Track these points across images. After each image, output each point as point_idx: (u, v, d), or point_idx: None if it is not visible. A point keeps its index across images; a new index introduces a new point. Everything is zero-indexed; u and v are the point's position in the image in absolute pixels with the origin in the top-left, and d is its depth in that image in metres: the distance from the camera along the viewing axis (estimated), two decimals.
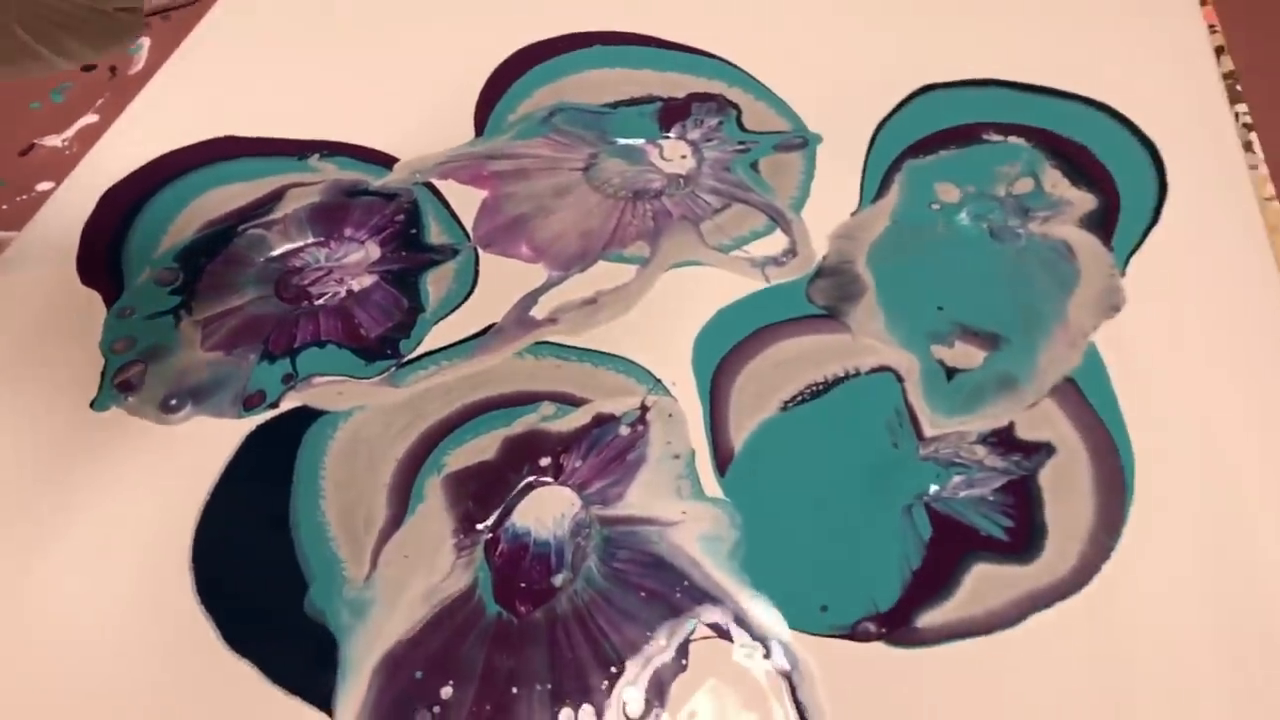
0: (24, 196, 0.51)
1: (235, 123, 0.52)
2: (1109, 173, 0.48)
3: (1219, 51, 0.55)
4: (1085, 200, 0.46)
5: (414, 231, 0.47)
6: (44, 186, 0.51)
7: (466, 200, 0.48)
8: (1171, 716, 0.32)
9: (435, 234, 0.47)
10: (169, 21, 0.52)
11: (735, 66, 0.54)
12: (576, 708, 0.32)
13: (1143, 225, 0.45)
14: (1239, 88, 0.53)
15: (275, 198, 0.48)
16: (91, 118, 0.54)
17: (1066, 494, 0.37)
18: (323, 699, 0.33)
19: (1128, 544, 0.35)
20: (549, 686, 0.33)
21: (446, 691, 0.33)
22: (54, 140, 0.55)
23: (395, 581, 0.35)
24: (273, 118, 0.53)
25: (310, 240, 0.46)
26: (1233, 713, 0.32)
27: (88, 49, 0.31)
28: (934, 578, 0.35)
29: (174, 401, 0.40)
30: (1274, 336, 0.41)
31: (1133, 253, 0.44)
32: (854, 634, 0.34)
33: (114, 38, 0.32)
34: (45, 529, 0.37)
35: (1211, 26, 0.56)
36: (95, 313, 0.44)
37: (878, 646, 0.33)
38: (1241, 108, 0.51)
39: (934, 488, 0.37)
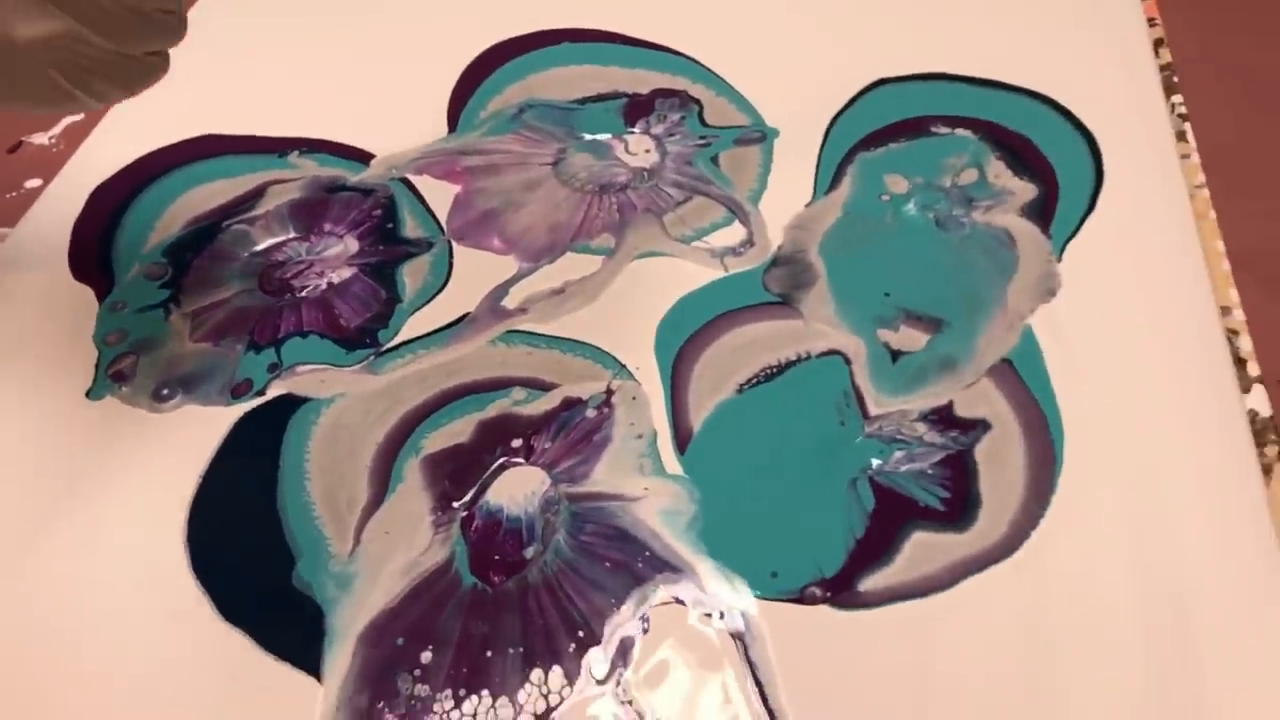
0: (13, 194, 0.53)
1: (217, 121, 0.54)
2: (1049, 163, 0.50)
3: (1158, 44, 0.57)
4: (1026, 190, 0.49)
5: (390, 225, 0.49)
6: (32, 184, 0.53)
7: (440, 195, 0.50)
8: (1090, 672, 0.34)
9: (411, 228, 0.49)
10: None
11: (698, 63, 0.56)
12: (547, 669, 0.35)
13: (1079, 213, 0.48)
14: (1175, 79, 0.55)
15: (257, 194, 0.50)
16: (77, 115, 0.56)
17: (1000, 467, 0.39)
18: (312, 665, 0.35)
19: (1055, 513, 0.38)
20: (521, 650, 0.35)
21: (426, 656, 0.35)
22: (41, 138, 0.56)
23: (377, 556, 0.38)
24: (253, 116, 0.54)
25: (291, 235, 0.49)
26: (1145, 667, 0.34)
27: (118, 90, 0.33)
28: (876, 545, 0.37)
29: (165, 390, 0.43)
30: (1197, 319, 0.44)
31: (1069, 239, 0.47)
32: (802, 598, 0.36)
33: (142, 80, 0.34)
34: (49, 512, 0.39)
35: (1151, 20, 0.59)
36: (88, 306, 0.46)
37: (823, 609, 0.36)
38: (1177, 98, 0.54)
39: (877, 462, 0.40)
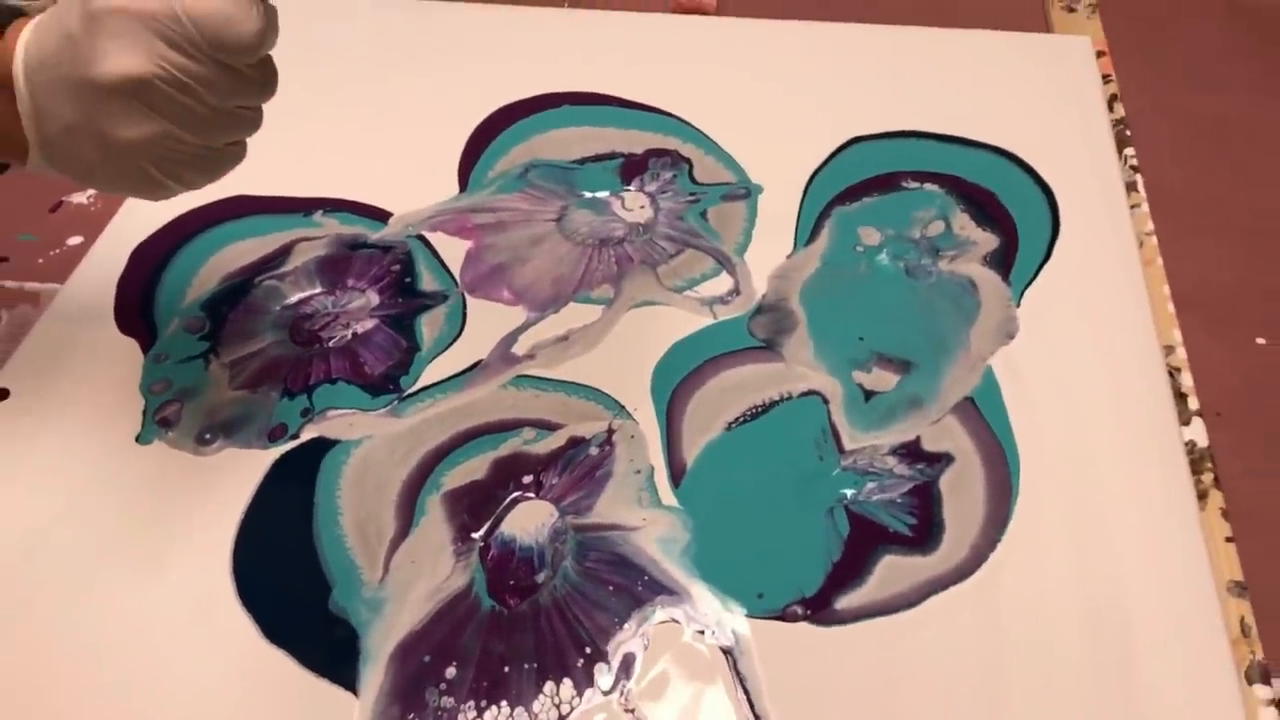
0: (56, 250, 0.57)
1: (247, 182, 0.58)
2: (1010, 215, 0.55)
3: (1112, 100, 0.62)
4: (989, 240, 0.54)
5: (409, 280, 0.54)
6: (74, 241, 0.57)
7: (454, 250, 0.55)
8: (1041, 680, 0.39)
9: (427, 282, 0.53)
10: None
11: (688, 124, 0.61)
12: (558, 682, 0.39)
13: (1037, 261, 0.53)
14: (1128, 133, 0.60)
15: (286, 252, 0.55)
16: None
17: (962, 496, 0.44)
18: (348, 681, 0.39)
19: (1011, 537, 0.42)
20: (535, 665, 0.39)
21: (451, 672, 0.39)
22: (80, 197, 0.61)
23: (404, 583, 0.42)
24: (280, 177, 0.59)
25: (318, 289, 0.53)
26: (1088, 676, 0.39)
27: (204, 178, 0.38)
28: (851, 568, 0.42)
29: (208, 435, 0.47)
30: (1143, 357, 0.48)
31: (1027, 286, 0.52)
32: (784, 616, 0.41)
33: (224, 167, 0.38)
34: (107, 549, 0.43)
35: (1106, 76, 0.64)
36: (134, 358, 0.50)
37: (804, 626, 0.40)
38: (1129, 151, 0.59)
39: (851, 493, 0.44)
